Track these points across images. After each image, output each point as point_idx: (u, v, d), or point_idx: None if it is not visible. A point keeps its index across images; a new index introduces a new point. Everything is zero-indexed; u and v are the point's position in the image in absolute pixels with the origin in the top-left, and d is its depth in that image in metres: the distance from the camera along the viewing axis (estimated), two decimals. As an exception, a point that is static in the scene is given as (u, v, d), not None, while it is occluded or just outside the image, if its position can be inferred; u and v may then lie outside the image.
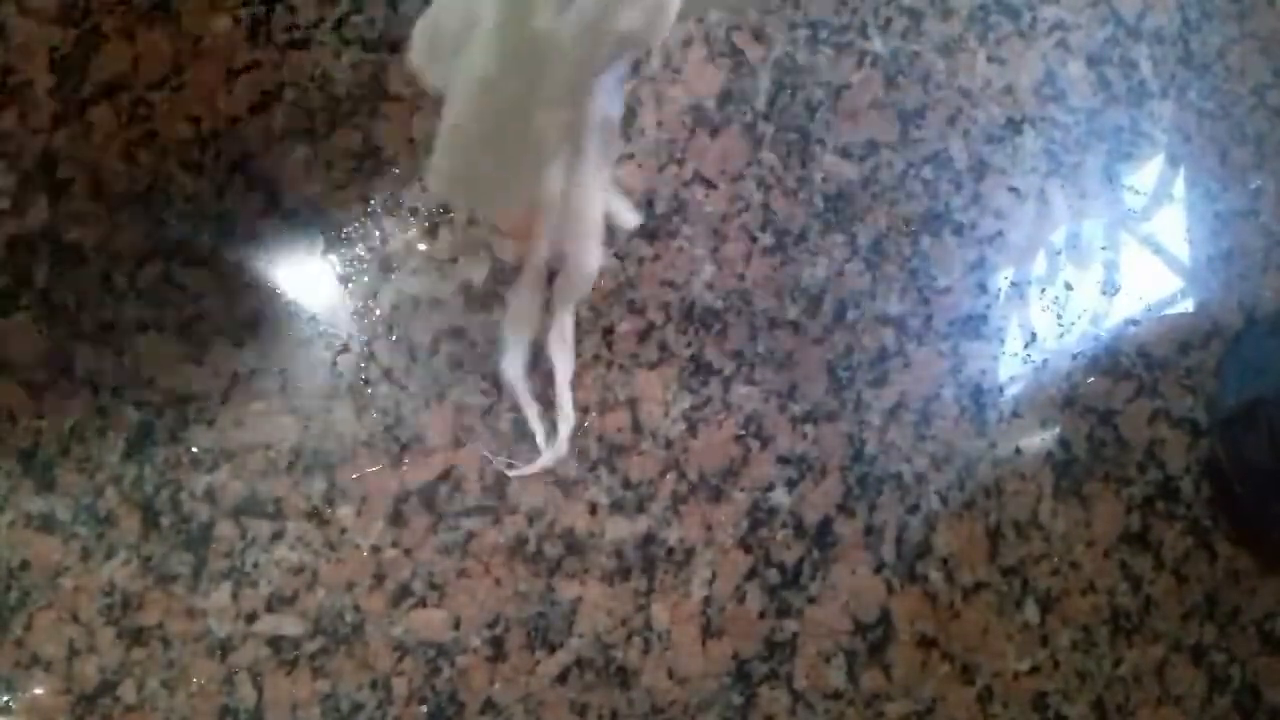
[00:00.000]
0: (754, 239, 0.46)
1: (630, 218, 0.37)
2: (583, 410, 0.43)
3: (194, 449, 0.42)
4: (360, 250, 0.44)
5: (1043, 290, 0.48)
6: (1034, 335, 0.47)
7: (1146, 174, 0.50)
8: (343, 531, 0.41)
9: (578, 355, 0.43)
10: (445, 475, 0.42)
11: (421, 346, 0.44)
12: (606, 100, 0.33)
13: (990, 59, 0.50)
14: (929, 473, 0.44)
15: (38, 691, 0.39)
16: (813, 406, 0.44)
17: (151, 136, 0.44)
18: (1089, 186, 0.49)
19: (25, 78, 0.44)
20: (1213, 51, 0.52)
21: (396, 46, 0.46)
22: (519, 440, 0.42)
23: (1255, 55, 0.52)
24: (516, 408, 0.42)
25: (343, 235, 0.44)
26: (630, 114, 0.47)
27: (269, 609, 0.41)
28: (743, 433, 0.44)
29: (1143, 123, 0.50)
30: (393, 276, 0.44)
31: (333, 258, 0.44)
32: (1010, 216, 0.48)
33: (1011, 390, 0.46)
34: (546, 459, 0.41)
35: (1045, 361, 0.47)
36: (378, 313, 0.44)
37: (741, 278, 0.45)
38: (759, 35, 0.49)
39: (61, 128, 0.44)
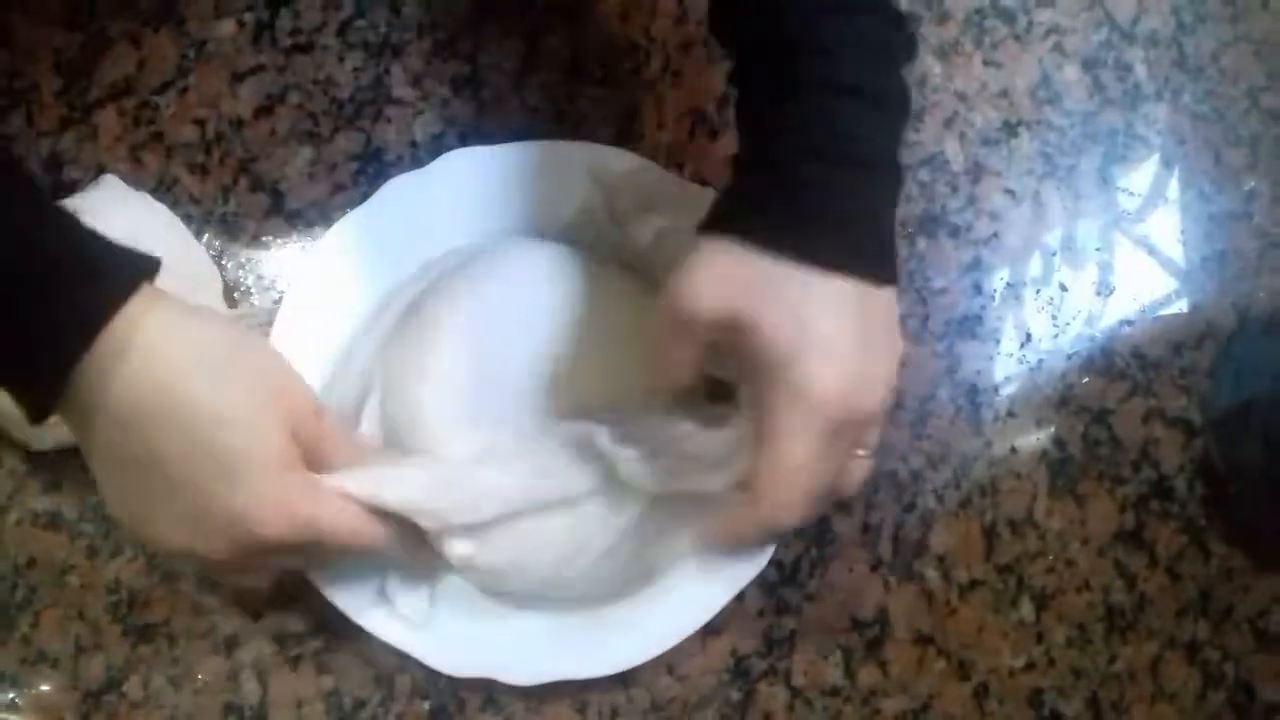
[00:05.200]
0: (753, 241, 0.47)
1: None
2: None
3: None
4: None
5: (1038, 291, 0.48)
6: (1029, 336, 0.47)
7: (1141, 176, 0.50)
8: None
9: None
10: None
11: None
12: None
13: (986, 63, 0.50)
14: (925, 471, 0.45)
15: (44, 688, 0.40)
16: (811, 406, 0.44)
17: (157, 139, 0.45)
18: (1084, 188, 0.49)
19: (31, 81, 0.45)
20: (1207, 55, 0.52)
21: (399, 50, 0.47)
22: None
23: (1249, 58, 0.52)
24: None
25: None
26: (631, 118, 0.48)
27: (274, 606, 0.41)
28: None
29: (1137, 125, 0.51)
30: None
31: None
32: (1006, 218, 0.48)
33: (1007, 390, 0.46)
34: None
35: (1040, 362, 0.47)
36: (380, 313, 0.44)
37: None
38: (757, 39, 0.49)
39: (67, 130, 0.45)
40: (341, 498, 0.34)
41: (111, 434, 0.31)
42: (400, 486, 0.35)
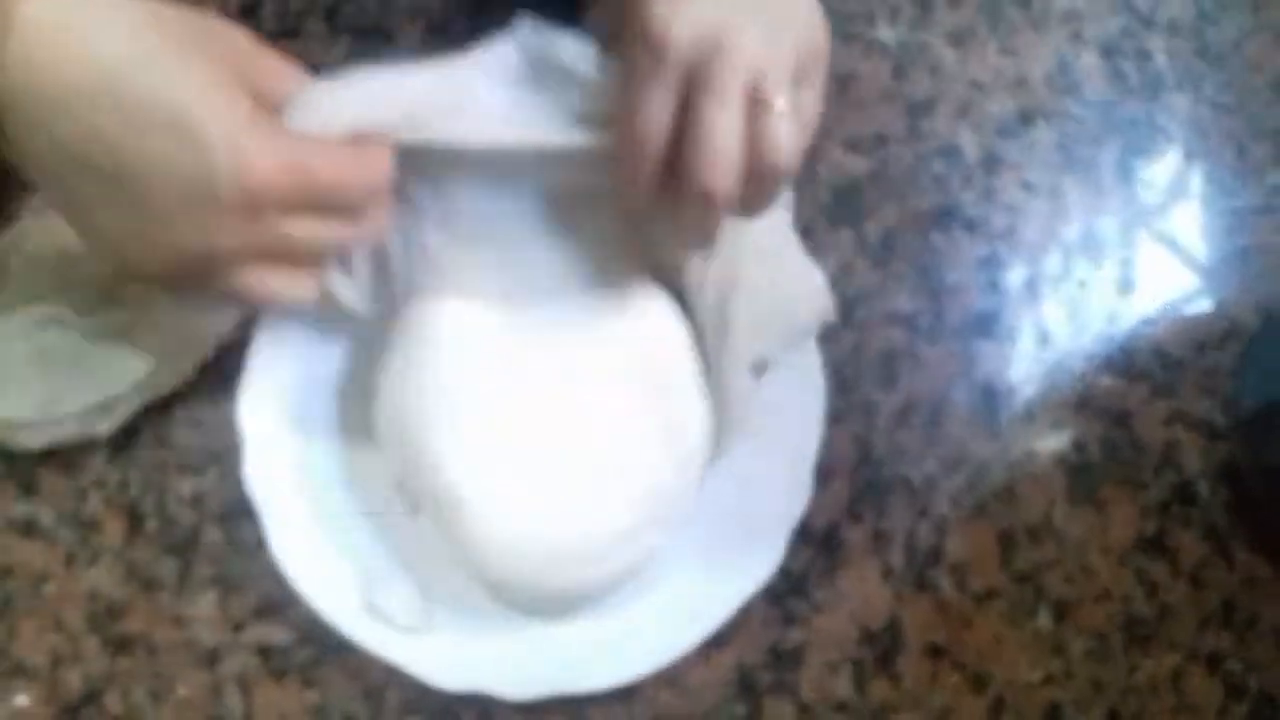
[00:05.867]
0: (759, 235, 0.46)
1: None
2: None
3: (180, 452, 0.41)
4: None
5: (1056, 288, 0.47)
6: (1047, 335, 0.46)
7: (1162, 169, 0.49)
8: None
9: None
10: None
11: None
12: None
13: (1002, 49, 0.49)
14: (939, 476, 0.44)
15: (21, 702, 0.38)
16: (819, 408, 0.43)
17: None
18: (1104, 181, 0.48)
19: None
20: (1229, 43, 0.51)
21: (389, 36, 0.46)
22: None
23: (1272, 47, 0.52)
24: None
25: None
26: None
27: (258, 617, 0.40)
28: (747, 435, 0.43)
29: (1158, 116, 0.50)
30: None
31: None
32: (1023, 212, 0.47)
33: (1024, 391, 0.45)
34: None
35: (1058, 361, 0.46)
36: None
37: (746, 275, 0.44)
38: (764, 25, 0.48)
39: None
40: (321, 137, 0.31)
41: (51, 133, 0.28)
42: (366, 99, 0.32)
